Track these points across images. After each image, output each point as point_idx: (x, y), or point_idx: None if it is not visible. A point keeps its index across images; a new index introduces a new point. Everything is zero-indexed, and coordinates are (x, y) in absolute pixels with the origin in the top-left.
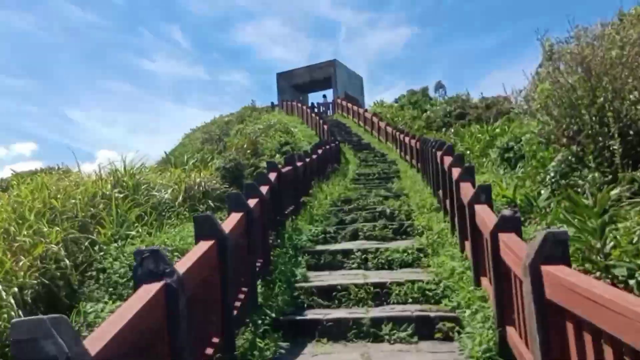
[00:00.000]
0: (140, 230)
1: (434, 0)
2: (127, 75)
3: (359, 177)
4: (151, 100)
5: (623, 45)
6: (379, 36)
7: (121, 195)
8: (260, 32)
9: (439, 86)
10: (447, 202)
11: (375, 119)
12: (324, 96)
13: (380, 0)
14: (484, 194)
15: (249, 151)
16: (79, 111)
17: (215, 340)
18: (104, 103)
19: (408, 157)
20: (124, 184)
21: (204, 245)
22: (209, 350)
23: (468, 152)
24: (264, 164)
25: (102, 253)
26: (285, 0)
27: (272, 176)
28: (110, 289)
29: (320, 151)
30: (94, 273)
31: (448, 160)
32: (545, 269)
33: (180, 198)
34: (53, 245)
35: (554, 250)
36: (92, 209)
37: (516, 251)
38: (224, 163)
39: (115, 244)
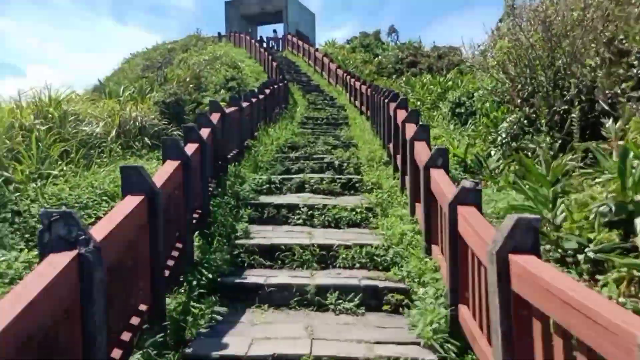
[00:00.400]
0: (64, 168)
1: None
2: None
3: (307, 121)
4: (90, 17)
5: (585, 7)
6: None
7: (44, 128)
8: None
9: (392, 31)
10: (399, 158)
11: (326, 60)
12: (274, 31)
13: None
14: (441, 158)
15: (191, 85)
16: (8, 21)
17: (143, 307)
18: (38, 15)
19: (357, 103)
20: (49, 114)
21: (131, 202)
22: (135, 320)
23: (419, 103)
24: (207, 100)
25: (17, 194)
26: None
27: (215, 118)
28: (27, 235)
29: (267, 91)
30: (8, 215)
31: (402, 114)
32: (514, 258)
33: (114, 133)
34: None
35: (525, 238)
36: (7, 141)
37: (479, 232)
38: (164, 97)
39: (34, 184)
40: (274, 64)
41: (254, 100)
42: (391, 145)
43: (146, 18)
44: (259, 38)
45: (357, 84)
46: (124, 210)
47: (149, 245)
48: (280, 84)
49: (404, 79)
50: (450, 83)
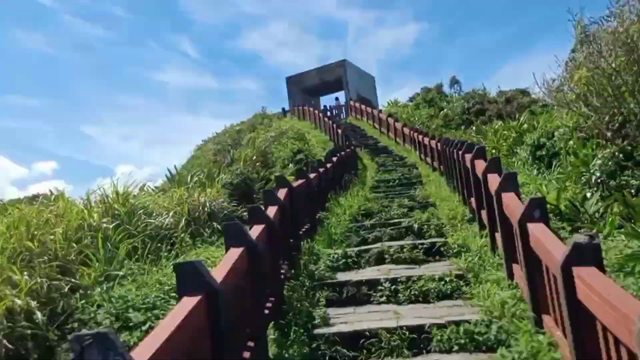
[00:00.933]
0: (132, 267)
1: None
2: (139, 89)
3: (379, 184)
4: (164, 112)
5: None
6: (387, 34)
7: (111, 226)
8: (267, 37)
9: (454, 82)
10: (483, 214)
11: (390, 120)
12: (337, 99)
13: None
14: (538, 210)
15: (258, 163)
16: (94, 127)
17: None
18: (118, 117)
19: (429, 160)
20: (116, 211)
21: (186, 305)
22: None
23: (494, 151)
24: (275, 176)
25: (83, 301)
26: (290, 4)
27: (282, 193)
28: None
29: (335, 159)
30: (75, 325)
31: (480, 165)
32: None
33: (183, 222)
34: (17, 300)
35: None
36: (75, 245)
37: (616, 304)
38: (231, 178)
39: (100, 287)
40: (339, 130)
41: (321, 170)
42: (473, 201)
43: (216, 106)
44: (322, 108)
45: (426, 139)
46: (177, 315)
47: (211, 354)
48: (347, 150)
49: (474, 128)
50: (525, 126)
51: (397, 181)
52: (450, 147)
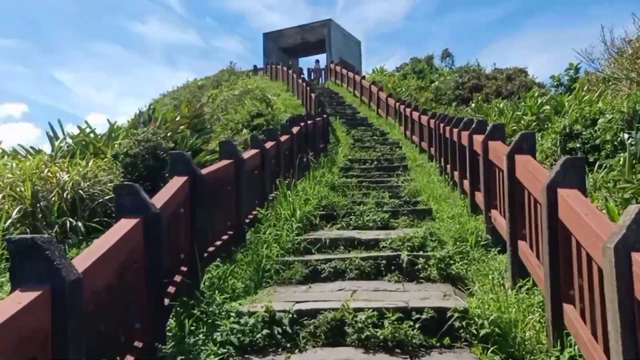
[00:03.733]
0: None
1: None
2: (118, 38)
3: (352, 165)
4: (142, 64)
5: None
6: (378, 6)
7: None
8: None
9: (446, 55)
10: (523, 246)
11: (374, 89)
12: (317, 61)
13: None
14: None
15: (183, 126)
16: (68, 74)
17: None
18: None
19: (416, 138)
20: None
21: None
22: None
23: None
24: (214, 145)
25: None
26: None
27: (176, 184)
28: None
29: (296, 129)
30: None
31: (499, 149)
32: None
33: (14, 213)
34: None
35: None
36: None
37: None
38: (128, 147)
39: None
40: (312, 95)
41: (269, 144)
42: (497, 213)
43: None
44: (299, 69)
45: (414, 114)
46: None
47: None
48: (317, 119)
49: (472, 105)
50: (546, 107)
51: (375, 163)
52: (446, 125)
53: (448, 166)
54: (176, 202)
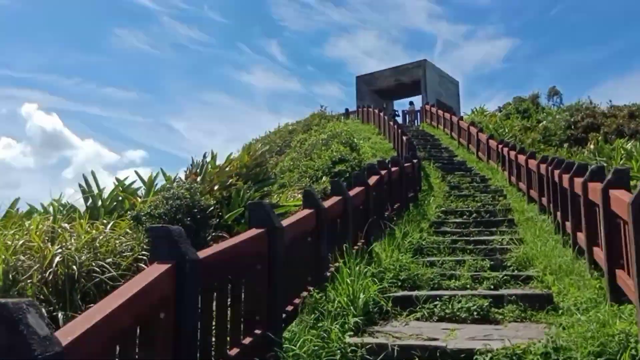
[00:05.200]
0: None
1: (536, 11)
2: (226, 88)
3: (445, 219)
4: (248, 112)
5: None
6: (476, 49)
7: None
8: (354, 45)
9: (553, 93)
10: None
11: (473, 130)
12: (411, 103)
13: (478, 13)
14: None
15: (232, 179)
16: (181, 122)
17: None
18: (204, 114)
19: (523, 186)
20: None
21: None
22: None
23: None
24: (284, 198)
25: None
26: (380, 15)
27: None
28: None
29: (375, 178)
30: None
31: None
32: None
33: None
34: None
35: None
36: None
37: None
38: (155, 206)
39: None
40: (404, 138)
41: (332, 201)
42: None
43: (297, 108)
44: (392, 112)
45: (521, 157)
46: None
47: None
48: (406, 165)
49: (591, 146)
50: None
51: (473, 216)
52: (563, 171)
53: (567, 223)
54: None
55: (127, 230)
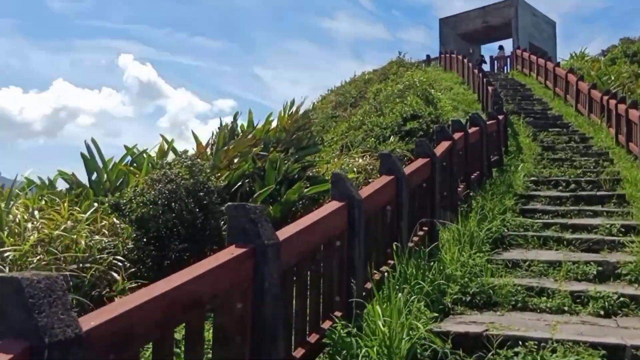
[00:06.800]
0: None
1: None
2: (309, 35)
3: (536, 190)
4: (331, 59)
5: None
6: None
7: None
8: None
9: None
10: None
11: (571, 78)
12: (500, 47)
13: None
14: None
15: (256, 148)
16: (267, 70)
17: None
18: (288, 62)
19: (635, 147)
20: None
21: None
22: None
23: None
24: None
25: None
26: None
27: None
28: None
29: (443, 147)
30: None
31: None
32: None
33: None
34: None
35: None
36: None
37: None
38: (139, 191)
39: None
40: (489, 88)
41: (381, 182)
42: None
43: (381, 55)
44: (479, 57)
45: (633, 113)
46: None
47: None
48: (489, 122)
49: None
50: None
51: (571, 187)
52: None
53: None
54: None
55: (115, 220)
